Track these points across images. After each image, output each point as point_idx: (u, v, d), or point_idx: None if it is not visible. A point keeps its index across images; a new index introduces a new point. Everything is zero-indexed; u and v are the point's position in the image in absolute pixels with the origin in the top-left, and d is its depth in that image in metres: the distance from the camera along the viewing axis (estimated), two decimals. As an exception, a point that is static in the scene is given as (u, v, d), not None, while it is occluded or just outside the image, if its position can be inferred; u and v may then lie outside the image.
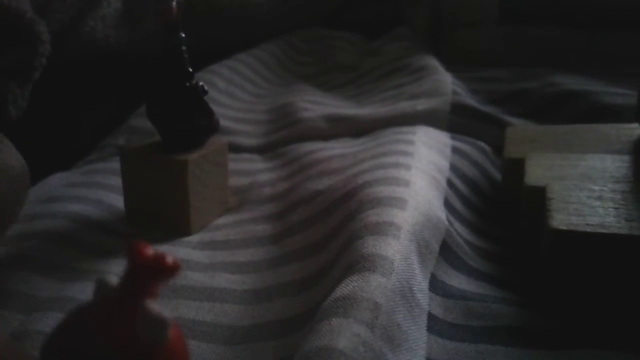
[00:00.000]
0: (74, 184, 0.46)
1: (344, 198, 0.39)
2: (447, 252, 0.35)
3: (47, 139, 0.56)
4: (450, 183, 0.43)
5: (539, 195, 0.35)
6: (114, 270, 0.34)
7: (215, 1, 0.74)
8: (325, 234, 0.37)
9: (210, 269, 0.36)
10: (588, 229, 0.30)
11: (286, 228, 0.40)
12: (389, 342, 0.26)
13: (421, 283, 0.31)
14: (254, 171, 0.50)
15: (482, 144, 0.51)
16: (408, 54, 0.74)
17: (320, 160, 0.47)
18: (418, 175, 0.40)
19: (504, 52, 0.76)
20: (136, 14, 0.65)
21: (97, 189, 0.45)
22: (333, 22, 0.92)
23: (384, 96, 0.63)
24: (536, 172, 0.38)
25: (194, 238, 0.40)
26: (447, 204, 0.40)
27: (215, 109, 0.41)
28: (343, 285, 0.28)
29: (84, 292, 0.32)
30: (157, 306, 0.17)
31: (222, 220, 0.43)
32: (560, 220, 0.31)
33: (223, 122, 0.46)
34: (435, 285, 0.32)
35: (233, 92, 0.67)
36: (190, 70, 0.40)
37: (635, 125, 0.44)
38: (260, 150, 0.55)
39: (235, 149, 0.54)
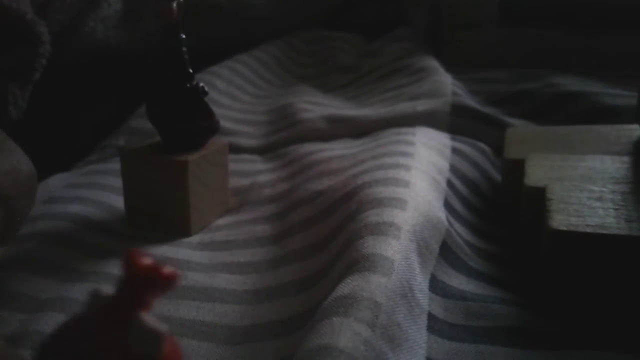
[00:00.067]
0: (74, 185, 0.46)
1: (344, 198, 0.39)
2: (447, 252, 0.35)
3: (47, 140, 0.56)
4: (450, 184, 0.43)
5: (539, 196, 0.35)
6: (114, 272, 0.34)
7: (216, 2, 0.74)
8: (325, 234, 0.37)
9: (210, 269, 0.36)
10: (588, 230, 0.30)
11: (286, 228, 0.40)
12: (389, 342, 0.26)
13: (421, 283, 0.31)
14: (254, 172, 0.50)
15: (482, 144, 0.51)
16: (408, 55, 0.74)
17: (320, 161, 0.47)
18: (418, 176, 0.40)
19: (504, 53, 0.76)
20: (136, 14, 0.65)
21: (97, 190, 0.45)
22: (333, 23, 0.92)
23: (384, 97, 0.63)
24: (536, 173, 0.38)
25: (194, 239, 0.40)
26: (447, 205, 0.40)
27: (216, 109, 0.42)
28: (343, 284, 0.28)
29: (84, 293, 0.32)
30: (153, 318, 0.17)
31: (222, 221, 0.43)
32: (560, 220, 0.31)
33: (223, 123, 0.46)
34: (435, 286, 0.32)
35: (233, 93, 0.67)
36: (191, 71, 0.40)
37: (635, 126, 0.44)
38: (260, 151, 0.55)
39: (236, 149, 0.54)
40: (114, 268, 0.35)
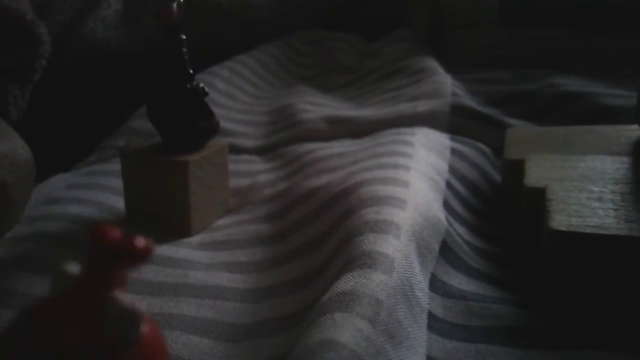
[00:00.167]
0: (74, 185, 0.46)
1: (342, 194, 0.39)
2: (447, 252, 0.35)
3: (47, 140, 0.56)
4: (449, 185, 0.43)
5: (539, 197, 0.35)
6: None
7: (216, 2, 0.74)
8: (324, 231, 0.37)
9: (211, 268, 0.36)
10: (588, 230, 0.31)
11: (286, 226, 0.40)
12: (390, 339, 0.26)
13: (421, 282, 0.31)
14: (254, 172, 0.50)
15: (481, 145, 0.51)
16: (408, 56, 0.74)
17: (319, 158, 0.48)
18: (417, 177, 0.40)
19: (504, 54, 0.76)
20: (136, 15, 0.65)
21: (98, 191, 0.45)
22: (333, 23, 0.92)
23: (384, 98, 0.63)
24: (536, 174, 0.38)
25: (195, 239, 0.40)
26: (447, 205, 0.40)
27: (216, 110, 0.42)
28: (344, 280, 0.28)
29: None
30: (128, 297, 0.15)
31: (222, 221, 0.43)
32: (559, 221, 0.31)
33: (223, 124, 0.46)
34: (435, 285, 0.32)
35: (233, 94, 0.67)
36: (191, 71, 0.40)
37: (635, 126, 0.44)
38: (260, 151, 0.55)
39: (236, 150, 0.54)
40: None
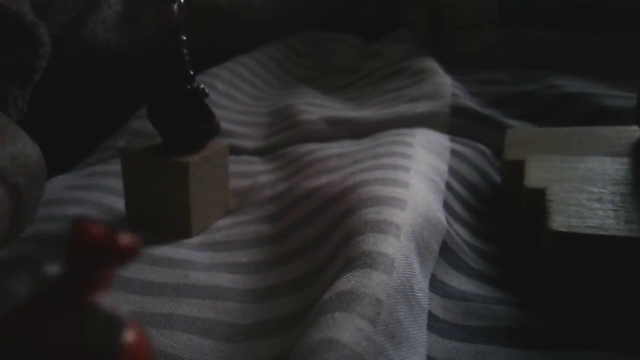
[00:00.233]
0: (74, 186, 0.46)
1: (341, 194, 0.39)
2: (447, 252, 0.35)
3: (48, 141, 0.56)
4: (449, 186, 0.43)
5: (539, 198, 0.35)
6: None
7: (216, 3, 0.74)
8: (324, 230, 0.37)
9: (211, 269, 0.36)
10: (587, 231, 0.31)
11: (286, 227, 0.40)
12: (390, 339, 0.26)
13: (421, 282, 0.31)
14: (254, 173, 0.50)
15: (481, 146, 0.51)
16: (408, 57, 0.74)
17: (319, 159, 0.48)
18: (417, 178, 0.40)
19: (504, 55, 0.76)
20: (137, 16, 0.65)
21: (98, 192, 0.45)
22: (333, 24, 0.92)
23: (384, 99, 0.63)
24: (536, 174, 0.38)
25: (195, 240, 0.40)
26: (447, 206, 0.40)
27: (216, 111, 0.42)
28: (344, 280, 0.28)
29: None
30: (112, 300, 0.14)
31: (222, 222, 0.43)
32: (559, 222, 0.31)
33: (223, 125, 0.46)
34: (436, 285, 0.32)
35: (233, 95, 0.67)
36: (191, 73, 0.40)
37: (635, 127, 0.44)
38: (260, 152, 0.55)
39: (236, 151, 0.54)
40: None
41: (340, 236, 0.34)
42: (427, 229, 0.35)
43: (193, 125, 0.40)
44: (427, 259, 0.33)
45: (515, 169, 0.40)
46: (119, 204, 0.43)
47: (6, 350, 0.13)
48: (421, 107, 0.56)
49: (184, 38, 0.39)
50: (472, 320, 0.30)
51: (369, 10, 0.94)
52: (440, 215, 0.37)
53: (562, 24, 0.76)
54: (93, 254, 0.14)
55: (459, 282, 0.33)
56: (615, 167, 0.38)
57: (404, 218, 0.34)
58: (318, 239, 0.37)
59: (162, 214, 0.40)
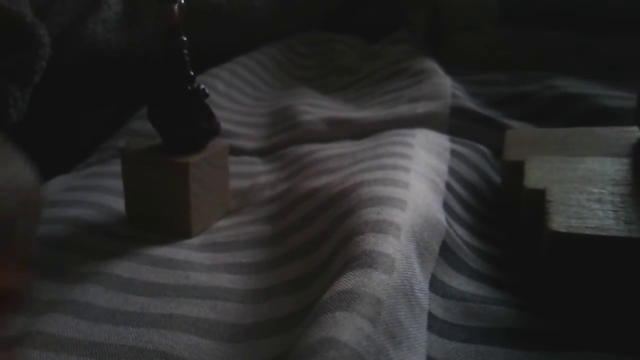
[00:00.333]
0: (73, 187, 0.46)
1: (342, 194, 0.39)
2: (447, 253, 0.35)
3: (48, 142, 0.56)
4: (449, 186, 0.43)
5: (539, 198, 0.35)
6: (115, 272, 0.34)
7: (216, 4, 0.74)
8: (324, 230, 0.37)
9: (212, 269, 0.36)
10: (587, 232, 0.31)
11: (286, 227, 0.40)
12: (390, 338, 0.26)
13: (421, 282, 0.31)
14: (254, 174, 0.50)
15: (481, 147, 0.51)
16: (408, 57, 0.74)
17: (319, 159, 0.48)
18: (417, 178, 0.40)
19: (504, 55, 0.76)
20: (137, 16, 0.65)
21: (97, 192, 0.45)
22: (333, 25, 0.92)
23: (383, 99, 0.63)
24: (536, 175, 0.38)
25: (195, 240, 0.40)
26: (446, 207, 0.40)
27: (216, 112, 0.42)
28: (345, 279, 0.29)
29: (85, 294, 0.32)
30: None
31: (222, 223, 0.43)
32: (559, 222, 0.31)
33: (223, 125, 0.46)
34: (436, 286, 0.32)
35: (233, 95, 0.67)
36: (192, 73, 0.40)
37: (634, 128, 0.44)
38: (260, 153, 0.55)
39: (236, 151, 0.54)
40: (116, 268, 0.35)
41: (341, 236, 0.34)
42: (427, 230, 0.35)
43: (193, 125, 0.40)
44: (427, 259, 0.33)
45: (515, 170, 0.40)
46: (119, 204, 0.43)
47: None
48: (421, 107, 0.56)
49: (184, 39, 0.39)
50: (472, 320, 0.31)
51: (369, 11, 0.94)
52: (440, 215, 0.37)
53: (562, 25, 0.76)
54: None
55: (459, 282, 0.33)
56: (615, 167, 0.38)
57: (404, 218, 0.34)
58: (318, 239, 0.37)
59: (162, 214, 0.40)
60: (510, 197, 0.41)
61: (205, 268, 0.36)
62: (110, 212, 0.43)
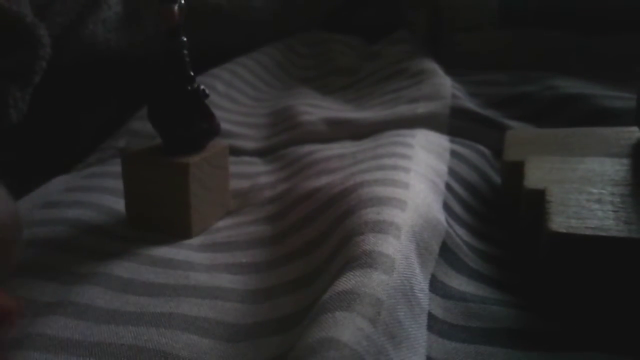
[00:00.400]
0: (73, 188, 0.46)
1: (342, 194, 0.39)
2: (447, 253, 0.35)
3: (48, 142, 0.56)
4: (448, 187, 0.43)
5: (538, 198, 0.35)
6: (115, 273, 0.34)
7: (216, 4, 0.74)
8: (324, 230, 0.37)
9: (212, 269, 0.36)
10: (587, 232, 0.31)
11: (286, 227, 0.40)
12: (390, 339, 0.26)
13: (421, 283, 0.31)
14: (254, 174, 0.50)
15: (481, 147, 0.51)
16: (408, 58, 0.74)
17: (319, 160, 0.48)
18: (417, 178, 0.40)
19: (504, 56, 0.76)
20: (137, 17, 0.65)
21: (97, 193, 0.45)
22: (333, 25, 0.92)
23: (383, 100, 0.63)
24: (535, 175, 0.38)
25: (195, 240, 0.40)
26: (446, 207, 0.40)
27: (216, 112, 0.42)
28: (345, 279, 0.29)
29: (84, 295, 0.32)
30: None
31: (222, 223, 0.43)
32: (559, 223, 0.31)
33: (223, 126, 0.46)
34: (436, 286, 0.32)
35: (233, 96, 0.67)
36: (192, 73, 0.40)
37: (634, 128, 0.44)
38: (260, 153, 0.55)
39: (236, 152, 0.54)
40: (116, 269, 0.35)
41: (341, 236, 0.34)
42: (427, 230, 0.35)
43: (193, 126, 0.40)
44: (427, 260, 0.33)
45: (515, 170, 0.40)
46: (118, 204, 0.43)
47: None
48: (421, 108, 0.56)
49: (185, 39, 0.39)
50: (471, 321, 0.31)
51: (369, 11, 0.94)
52: (440, 216, 0.37)
53: (561, 25, 0.76)
54: None
55: (458, 282, 0.34)
56: (614, 168, 0.38)
57: (404, 218, 0.34)
58: (318, 239, 0.37)
59: (162, 214, 0.40)
60: (510, 197, 0.41)
61: (205, 268, 0.36)
62: (110, 212, 0.43)
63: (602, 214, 0.32)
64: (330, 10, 0.93)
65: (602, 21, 0.75)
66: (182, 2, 0.39)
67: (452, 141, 0.51)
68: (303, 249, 0.37)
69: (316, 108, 0.61)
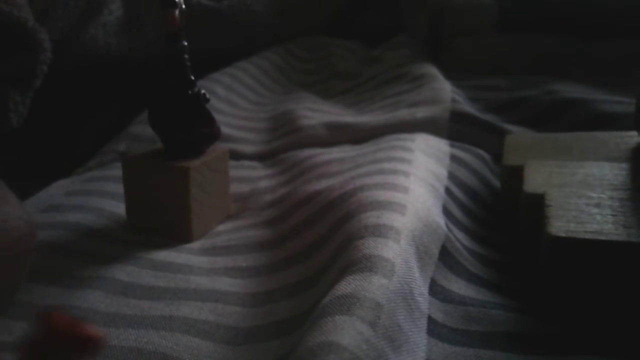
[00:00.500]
0: (73, 192, 0.46)
1: (342, 198, 0.39)
2: (446, 257, 0.35)
3: (48, 146, 0.56)
4: (448, 191, 0.43)
5: (538, 203, 0.35)
6: (117, 276, 0.34)
7: (217, 9, 0.74)
8: (324, 235, 0.37)
9: (212, 273, 0.36)
10: (586, 236, 0.31)
11: (286, 231, 0.40)
12: (390, 343, 0.26)
13: (421, 287, 0.31)
14: (254, 178, 0.50)
15: (480, 151, 0.51)
16: (408, 62, 0.74)
17: (319, 164, 0.48)
18: (416, 183, 0.40)
19: (503, 60, 0.76)
20: (137, 21, 0.65)
21: (98, 197, 0.45)
22: (334, 30, 0.92)
23: (383, 104, 0.63)
24: (535, 180, 0.38)
25: (195, 244, 0.40)
26: (446, 211, 0.40)
27: (216, 116, 0.42)
28: (345, 283, 0.29)
29: (85, 300, 0.32)
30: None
31: (223, 227, 0.43)
32: (558, 227, 0.32)
33: (224, 130, 0.46)
34: (435, 290, 0.32)
35: (234, 100, 0.67)
36: (192, 78, 0.40)
37: (633, 133, 0.44)
38: (260, 157, 0.55)
39: (236, 156, 0.54)
40: (116, 273, 0.35)
41: (341, 240, 0.34)
42: (426, 234, 0.35)
43: (193, 130, 0.40)
44: (427, 264, 0.33)
45: (515, 174, 0.40)
46: (119, 208, 0.43)
47: None
48: (421, 112, 0.56)
49: (185, 43, 0.39)
50: (471, 324, 0.31)
51: (369, 15, 0.94)
52: (440, 220, 0.37)
53: (561, 30, 0.76)
54: (56, 344, 0.13)
55: (458, 286, 0.34)
56: (614, 172, 0.38)
57: (403, 222, 0.34)
58: (318, 243, 0.37)
59: (162, 218, 0.40)
60: (510, 201, 0.41)
61: (206, 272, 0.36)
62: (110, 216, 0.43)
63: (601, 218, 0.32)
64: (330, 16, 0.94)
65: (602, 26, 0.75)
66: (183, 6, 0.39)
67: (451, 145, 0.51)
68: (303, 252, 0.37)
69: (316, 112, 0.62)
